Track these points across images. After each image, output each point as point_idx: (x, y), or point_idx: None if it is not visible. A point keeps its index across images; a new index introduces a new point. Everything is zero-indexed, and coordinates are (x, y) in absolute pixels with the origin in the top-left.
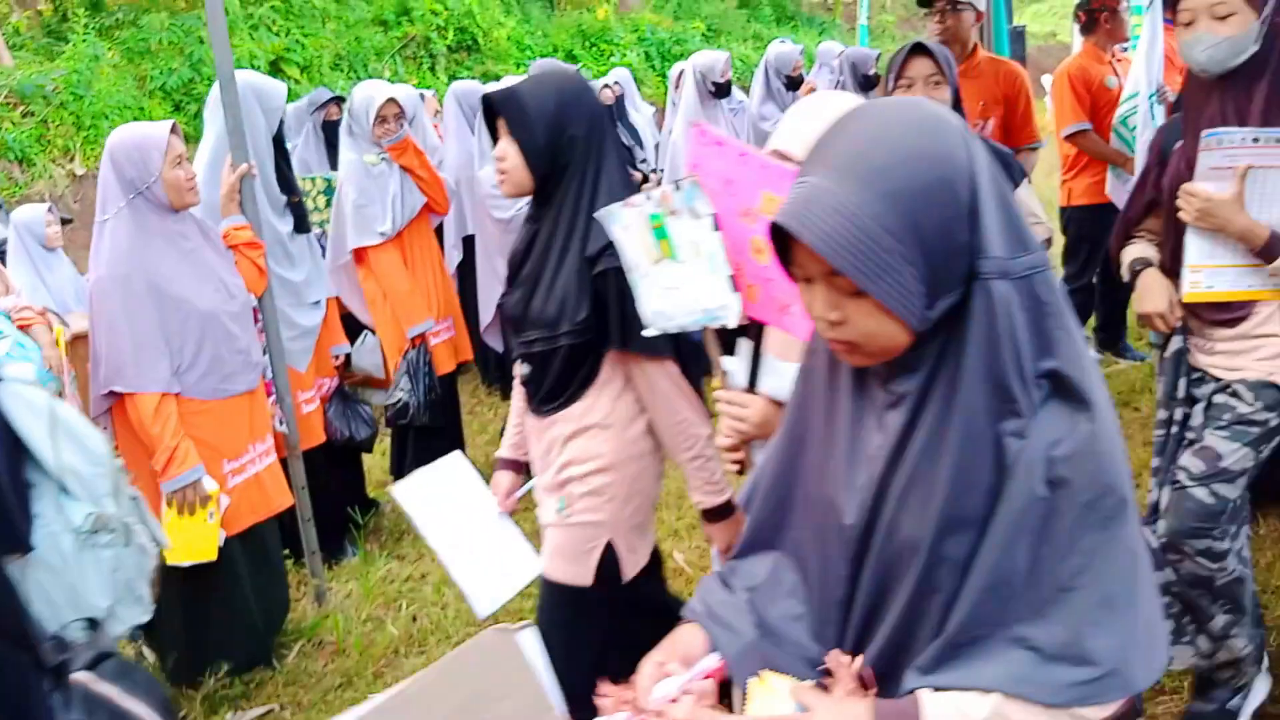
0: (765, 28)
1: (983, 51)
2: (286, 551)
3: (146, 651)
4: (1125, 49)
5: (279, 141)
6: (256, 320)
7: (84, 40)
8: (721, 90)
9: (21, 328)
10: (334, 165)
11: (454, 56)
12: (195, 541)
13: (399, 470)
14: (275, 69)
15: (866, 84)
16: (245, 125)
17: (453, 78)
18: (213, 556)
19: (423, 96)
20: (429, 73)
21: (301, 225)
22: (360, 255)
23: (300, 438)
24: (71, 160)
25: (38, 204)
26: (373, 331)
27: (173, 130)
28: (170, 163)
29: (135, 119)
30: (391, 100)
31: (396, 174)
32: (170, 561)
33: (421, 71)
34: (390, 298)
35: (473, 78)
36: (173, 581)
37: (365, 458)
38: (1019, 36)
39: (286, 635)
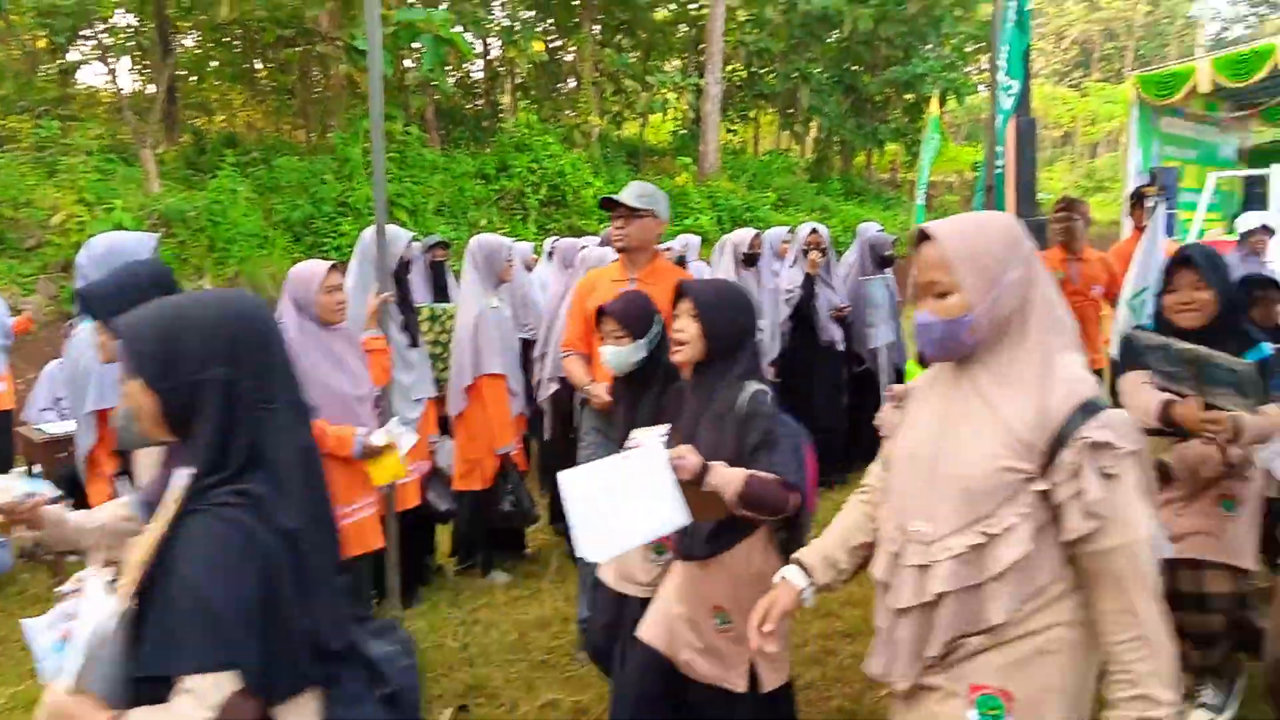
0: (833, 200)
1: (663, 260)
2: (374, 591)
3: None
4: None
5: (399, 275)
6: (377, 406)
7: (226, 174)
8: (750, 260)
9: None
10: (437, 298)
11: (545, 210)
12: (389, 468)
13: (466, 549)
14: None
15: (882, 264)
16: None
17: (541, 228)
18: (403, 474)
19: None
20: (520, 223)
21: (415, 341)
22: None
23: (397, 500)
24: (201, 278)
25: None
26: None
27: (332, 267)
28: (323, 290)
29: (260, 246)
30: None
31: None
32: (375, 482)
33: (514, 221)
34: (494, 420)
35: (561, 231)
36: None
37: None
38: (1030, 126)
39: None
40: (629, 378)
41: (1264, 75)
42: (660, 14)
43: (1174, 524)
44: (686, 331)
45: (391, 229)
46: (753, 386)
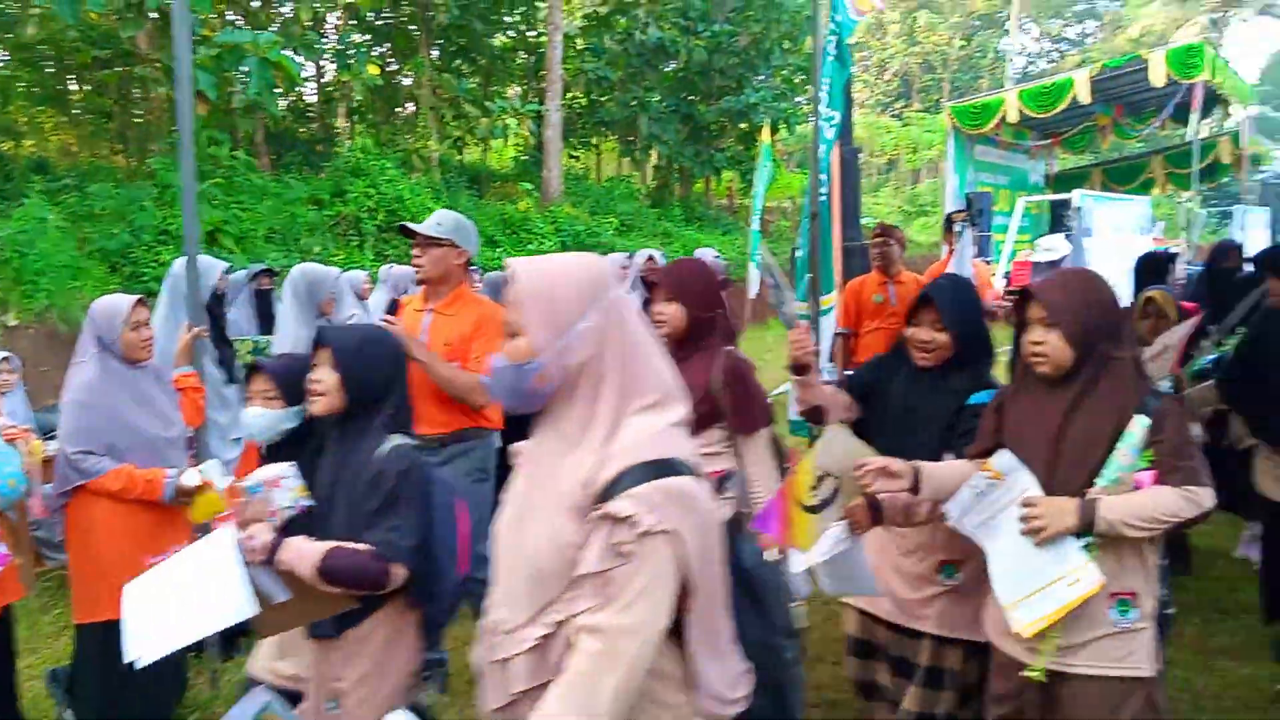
0: (674, 226)
1: (469, 291)
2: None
3: (69, 715)
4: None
5: (212, 307)
6: (191, 448)
7: (34, 202)
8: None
9: (7, 439)
10: (264, 329)
11: (382, 236)
12: (208, 505)
13: None
14: (212, 239)
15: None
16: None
17: (379, 255)
18: (224, 509)
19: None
20: (357, 249)
21: (232, 377)
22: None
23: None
24: (6, 313)
25: None
26: None
27: (138, 301)
28: (128, 325)
29: (73, 278)
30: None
31: None
32: (195, 520)
33: (350, 248)
34: None
35: (399, 257)
36: (94, 643)
37: None
38: (854, 155)
39: (185, 709)
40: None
41: (1065, 106)
42: (500, 40)
43: (889, 578)
44: (324, 382)
45: (203, 259)
46: (395, 441)
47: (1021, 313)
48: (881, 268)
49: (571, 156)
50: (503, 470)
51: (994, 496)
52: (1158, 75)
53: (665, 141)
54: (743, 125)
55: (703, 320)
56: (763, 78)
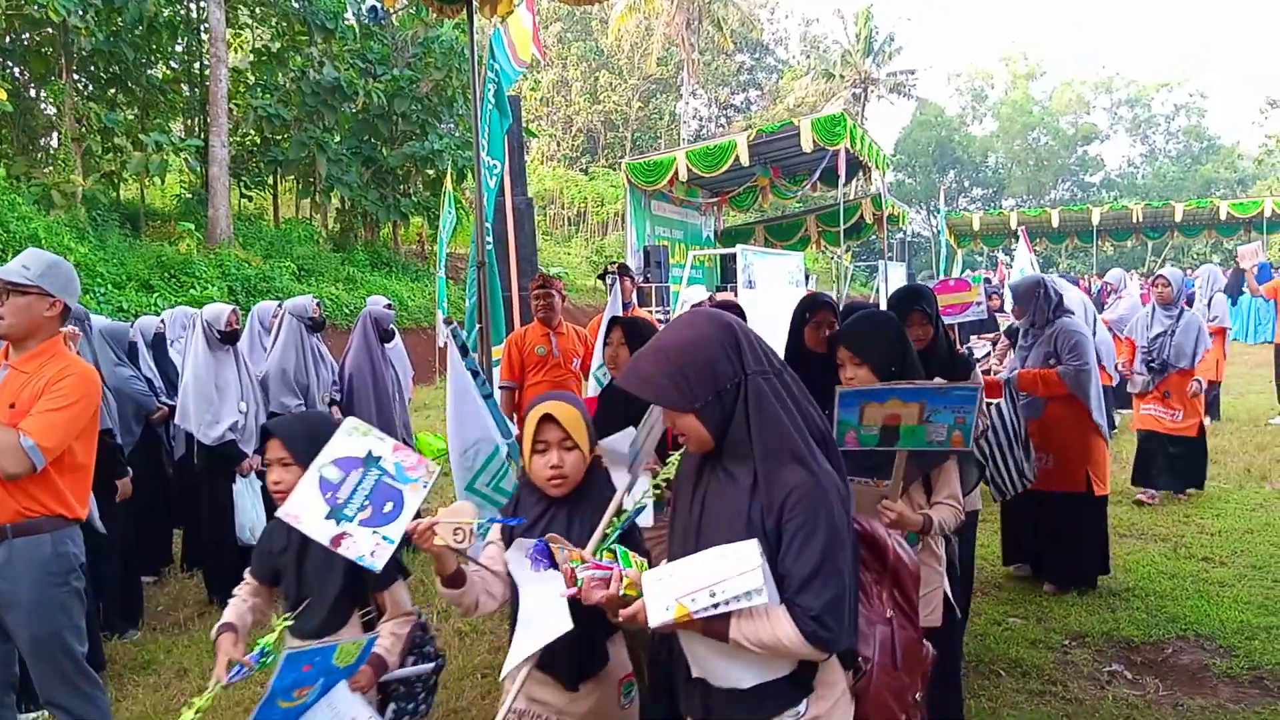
0: (360, 271)
1: (60, 347)
2: None
3: None
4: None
5: None
6: None
7: None
8: (227, 338)
9: None
10: None
11: None
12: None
13: None
14: None
15: (385, 338)
16: None
17: None
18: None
19: None
20: None
21: None
22: None
23: None
24: None
25: None
26: None
27: None
28: None
29: None
30: None
31: None
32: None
33: None
34: None
35: None
36: None
37: None
38: (528, 205)
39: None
40: None
41: (728, 167)
42: (162, 71)
43: None
44: None
45: None
46: None
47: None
48: (544, 319)
49: (245, 196)
50: None
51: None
52: (807, 141)
53: (347, 184)
54: (429, 171)
55: None
56: (448, 125)
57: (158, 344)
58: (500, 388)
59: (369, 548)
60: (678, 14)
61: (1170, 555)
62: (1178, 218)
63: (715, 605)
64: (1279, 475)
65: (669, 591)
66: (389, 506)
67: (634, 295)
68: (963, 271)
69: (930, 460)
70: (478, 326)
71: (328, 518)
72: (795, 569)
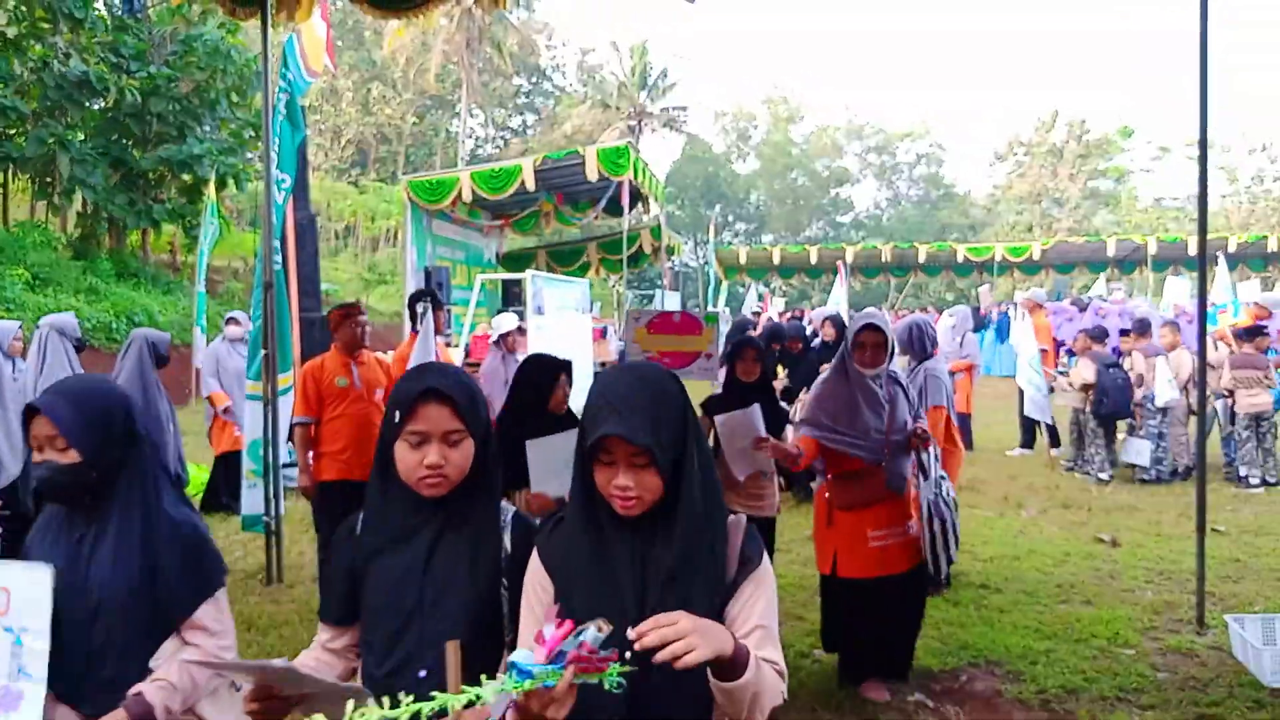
0: (104, 281)
1: None
2: None
3: None
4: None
5: None
6: None
7: None
8: None
9: None
10: None
11: None
12: None
13: None
14: None
15: (160, 362)
16: None
17: None
18: None
19: None
20: None
21: None
22: None
23: None
24: None
25: None
26: None
27: None
28: None
29: None
30: None
31: None
32: None
33: None
34: None
35: None
36: None
37: None
38: (311, 222)
39: None
40: None
41: (513, 190)
42: None
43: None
44: None
45: None
46: None
47: None
48: (346, 349)
49: None
50: None
51: None
52: (592, 170)
53: (92, 186)
54: (186, 177)
55: None
56: (209, 128)
57: None
58: (295, 424)
59: None
60: (457, 32)
61: (952, 582)
62: (921, 258)
63: None
64: (1033, 502)
65: None
66: None
67: (432, 326)
68: (728, 302)
69: None
70: (262, 352)
71: None
72: None
